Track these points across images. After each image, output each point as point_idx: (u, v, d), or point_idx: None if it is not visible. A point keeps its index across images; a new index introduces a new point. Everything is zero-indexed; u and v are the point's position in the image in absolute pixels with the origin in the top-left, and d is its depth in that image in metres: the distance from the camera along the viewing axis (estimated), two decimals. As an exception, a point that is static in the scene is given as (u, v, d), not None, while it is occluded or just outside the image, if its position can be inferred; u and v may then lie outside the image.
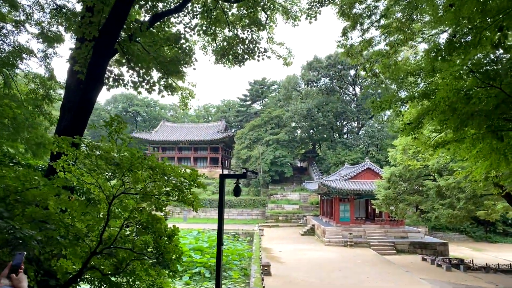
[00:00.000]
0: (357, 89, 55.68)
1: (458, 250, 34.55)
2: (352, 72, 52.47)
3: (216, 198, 50.49)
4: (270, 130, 54.41)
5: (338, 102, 51.23)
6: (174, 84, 11.89)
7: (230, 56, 11.96)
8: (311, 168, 55.90)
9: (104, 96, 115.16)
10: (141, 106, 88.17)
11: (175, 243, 6.33)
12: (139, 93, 10.39)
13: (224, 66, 12.63)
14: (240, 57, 11.80)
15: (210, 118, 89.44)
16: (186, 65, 12.00)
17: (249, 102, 70.23)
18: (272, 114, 55.84)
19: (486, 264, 25.16)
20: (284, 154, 51.71)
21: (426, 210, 23.54)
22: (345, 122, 56.90)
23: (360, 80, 54.02)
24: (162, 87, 11.44)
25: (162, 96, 11.59)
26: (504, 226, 42.59)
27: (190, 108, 16.11)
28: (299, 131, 57.77)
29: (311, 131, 57.56)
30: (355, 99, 54.56)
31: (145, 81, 10.11)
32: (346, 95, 56.09)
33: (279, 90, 61.25)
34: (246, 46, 11.60)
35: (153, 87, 10.10)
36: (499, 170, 6.98)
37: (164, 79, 11.27)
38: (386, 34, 14.12)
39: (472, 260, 26.20)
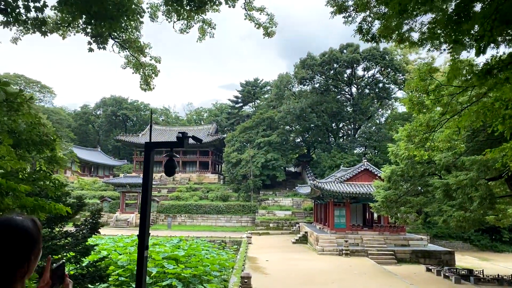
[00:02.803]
0: (354, 89, 52.90)
1: (464, 259, 31.62)
2: (348, 71, 49.76)
3: (204, 203, 47.42)
4: (261, 132, 51.54)
5: (333, 102, 48.38)
6: (106, 34, 8.95)
7: (184, 1, 9.11)
8: (305, 172, 52.96)
9: (93, 100, 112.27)
10: (131, 109, 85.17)
11: None
12: (45, 33, 7.51)
13: (179, 19, 9.75)
14: (197, 1, 8.94)
15: (202, 123, 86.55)
16: (127, 15, 9.17)
17: (241, 104, 67.33)
18: (264, 115, 53.02)
19: (498, 275, 22.26)
20: (276, 157, 48.76)
21: (431, 214, 20.64)
22: (340, 124, 53.99)
23: (357, 80, 51.31)
24: (90, 37, 8.57)
25: (91, 50, 8.72)
26: (511, 234, 39.79)
27: (154, 88, 13.40)
28: (293, 134, 54.94)
29: (305, 133, 54.70)
30: (351, 99, 51.76)
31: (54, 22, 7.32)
32: (341, 95, 53.28)
33: (271, 90, 58.48)
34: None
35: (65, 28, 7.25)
36: None
37: (91, 27, 8.38)
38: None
39: (482, 270, 23.24)
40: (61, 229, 9.07)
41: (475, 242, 39.70)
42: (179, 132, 5.64)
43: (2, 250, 1.48)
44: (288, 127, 53.12)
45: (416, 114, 13.86)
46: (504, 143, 8.26)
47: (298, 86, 52.57)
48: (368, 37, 11.78)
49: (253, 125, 52.88)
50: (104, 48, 8.77)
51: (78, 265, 8.09)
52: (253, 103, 66.99)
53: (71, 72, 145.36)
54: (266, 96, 63.70)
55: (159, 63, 13.23)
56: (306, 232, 34.96)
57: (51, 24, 8.46)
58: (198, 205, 46.83)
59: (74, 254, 7.93)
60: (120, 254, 22.47)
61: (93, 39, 8.51)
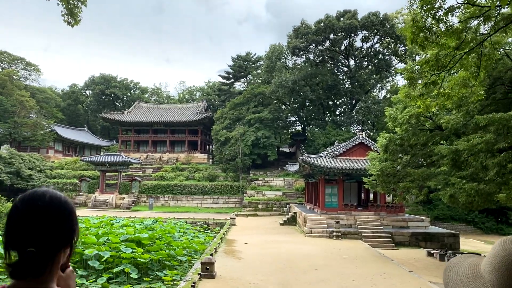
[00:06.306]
0: (351, 62, 48.85)
1: (468, 243, 28.66)
2: (345, 41, 45.73)
3: (189, 183, 44.37)
4: (252, 108, 48.01)
5: (328, 75, 44.55)
6: None
7: None
8: (299, 152, 49.71)
9: (82, 79, 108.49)
10: (120, 88, 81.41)
11: None
12: None
13: None
14: None
15: (194, 102, 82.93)
16: None
17: (232, 80, 63.43)
18: (255, 91, 49.43)
19: (510, 260, 19.16)
20: (268, 135, 45.41)
21: (436, 187, 17.47)
22: (337, 100, 50.19)
23: (355, 51, 47.40)
24: None
25: None
26: (517, 216, 36.92)
27: (80, 20, 10.31)
28: (286, 111, 51.31)
29: (299, 111, 51.09)
30: (349, 72, 47.85)
31: None
32: (338, 67, 49.24)
33: (263, 63, 54.52)
34: None
35: None
36: None
37: None
38: None
39: (492, 255, 20.16)
40: None
41: (479, 224, 36.99)
42: None
43: (50, 227, 1.13)
44: (281, 104, 49.51)
45: (420, 49, 10.52)
46: None
47: (291, 58, 48.70)
48: None
49: (244, 101, 49.37)
50: None
51: None
52: (245, 78, 63.14)
53: (61, 52, 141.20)
54: (258, 71, 59.85)
55: (87, -10, 9.94)
56: (295, 213, 31.94)
57: None
58: (183, 185, 43.73)
59: None
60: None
61: None
